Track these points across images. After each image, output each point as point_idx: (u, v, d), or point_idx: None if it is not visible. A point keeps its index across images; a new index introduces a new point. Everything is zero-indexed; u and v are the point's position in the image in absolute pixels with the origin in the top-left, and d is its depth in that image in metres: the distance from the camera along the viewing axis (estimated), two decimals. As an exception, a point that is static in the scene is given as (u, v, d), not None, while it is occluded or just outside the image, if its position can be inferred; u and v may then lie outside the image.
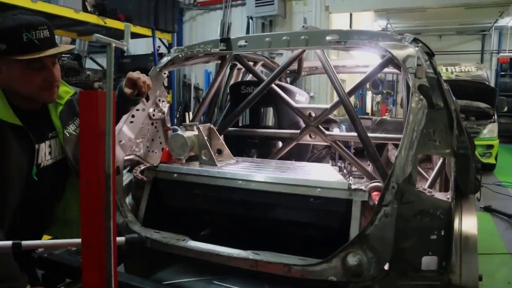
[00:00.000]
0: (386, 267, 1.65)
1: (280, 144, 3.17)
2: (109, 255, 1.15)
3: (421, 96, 1.79)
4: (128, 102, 2.06)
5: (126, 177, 2.48)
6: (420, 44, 2.04)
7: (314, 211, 1.90)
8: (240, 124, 3.44)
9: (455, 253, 1.71)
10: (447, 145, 1.82)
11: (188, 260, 2.08)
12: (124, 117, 2.27)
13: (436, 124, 1.83)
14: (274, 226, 2.07)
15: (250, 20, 7.91)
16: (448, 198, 1.69)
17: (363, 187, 1.81)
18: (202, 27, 8.36)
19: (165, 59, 2.52)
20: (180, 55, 2.48)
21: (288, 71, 4.10)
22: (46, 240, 1.62)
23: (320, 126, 2.91)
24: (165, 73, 2.54)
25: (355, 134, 2.59)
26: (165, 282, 2.07)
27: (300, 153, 3.22)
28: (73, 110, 2.01)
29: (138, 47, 7.49)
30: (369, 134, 2.50)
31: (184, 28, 8.42)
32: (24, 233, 1.86)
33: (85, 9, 4.77)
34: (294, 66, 3.87)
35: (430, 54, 2.03)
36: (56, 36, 5.39)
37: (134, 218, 2.11)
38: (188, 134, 2.27)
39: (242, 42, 2.48)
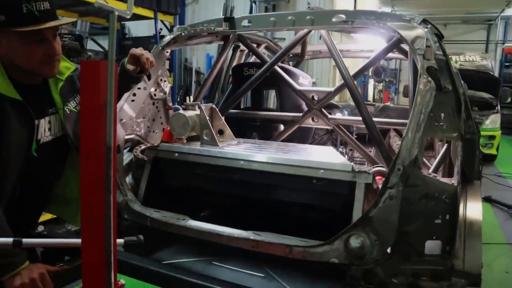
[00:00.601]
0: (388, 250, 1.63)
1: (282, 127, 3.14)
2: (108, 230, 1.13)
3: (429, 78, 1.75)
4: (131, 79, 2.01)
5: (127, 157, 2.46)
6: (429, 26, 1.99)
7: (316, 193, 1.88)
8: (242, 107, 3.40)
9: (459, 239, 1.69)
10: (454, 129, 1.79)
11: (188, 240, 2.06)
12: (126, 95, 2.23)
13: (443, 107, 1.80)
14: (276, 207, 2.05)
15: (253, 4, 7.83)
16: (453, 183, 1.66)
17: (367, 170, 1.78)
18: (205, 10, 8.26)
19: (167, 38, 2.47)
20: (183, 34, 2.43)
21: (291, 55, 4.05)
22: (46, 239, 1.59)
23: (323, 110, 2.88)
24: (167, 52, 2.49)
25: (359, 118, 2.56)
26: (165, 262, 2.06)
27: (302, 137, 3.20)
28: (74, 86, 1.97)
29: (140, 29, 7.40)
30: (374, 119, 2.47)
31: (186, 11, 8.32)
32: (23, 209, 1.84)
33: (88, -11, 4.69)
34: (298, 49, 3.82)
35: (439, 36, 1.98)
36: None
37: (134, 197, 2.09)
38: (189, 113, 2.24)
39: (246, 22, 2.43)
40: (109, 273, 1.15)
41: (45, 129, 1.84)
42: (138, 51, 1.94)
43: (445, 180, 1.94)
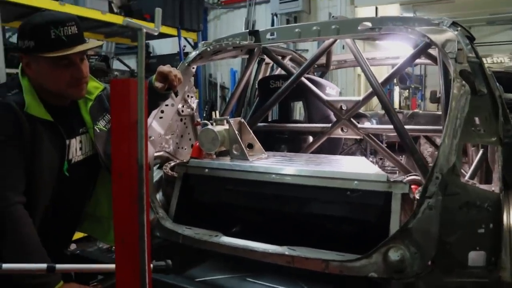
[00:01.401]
0: (440, 263, 1.56)
1: (310, 139, 3.09)
2: (142, 250, 1.11)
3: (463, 82, 1.69)
4: (159, 96, 2.02)
5: (156, 174, 2.46)
6: (460, 28, 1.93)
7: (351, 205, 1.83)
8: (269, 120, 3.38)
9: (505, 249, 1.60)
10: (492, 133, 1.72)
11: (220, 256, 2.04)
12: (154, 112, 2.25)
13: (479, 111, 1.73)
14: (309, 221, 2.00)
15: (275, 17, 7.85)
16: (493, 190, 1.58)
17: (402, 180, 1.72)
18: (227, 26, 8.34)
19: (193, 54, 2.49)
20: (208, 49, 2.44)
21: (316, 66, 4.03)
22: (78, 265, 1.59)
23: (352, 119, 2.83)
24: (193, 68, 2.51)
25: (389, 126, 2.49)
26: (198, 279, 2.04)
27: (332, 148, 3.14)
28: (103, 105, 2.00)
29: (164, 47, 7.53)
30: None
31: (209, 28, 8.43)
32: (56, 230, 1.86)
33: (111, 11, 4.81)
34: (322, 60, 3.79)
35: (471, 38, 1.92)
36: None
37: (165, 214, 2.08)
38: (218, 128, 2.23)
39: (270, 34, 2.42)
40: (144, 294, 1.13)
41: (76, 149, 1.86)
42: (166, 68, 1.96)
43: (484, 187, 1.85)
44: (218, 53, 2.55)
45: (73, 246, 3.41)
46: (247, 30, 2.42)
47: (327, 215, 1.91)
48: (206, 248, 1.87)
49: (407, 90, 13.07)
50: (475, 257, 1.55)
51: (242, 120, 2.35)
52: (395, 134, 2.36)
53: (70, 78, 1.69)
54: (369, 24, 2.12)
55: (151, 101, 2.04)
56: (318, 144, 2.93)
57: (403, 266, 1.50)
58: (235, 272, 2.07)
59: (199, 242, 1.88)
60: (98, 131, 1.94)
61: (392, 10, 10.25)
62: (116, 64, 6.25)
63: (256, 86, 3.33)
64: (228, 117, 2.30)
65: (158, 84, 1.96)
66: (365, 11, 8.10)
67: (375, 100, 4.25)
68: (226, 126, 2.25)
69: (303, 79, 2.90)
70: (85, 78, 1.76)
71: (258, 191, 2.00)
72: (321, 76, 4.04)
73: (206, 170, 2.12)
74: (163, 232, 2.01)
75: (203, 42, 2.53)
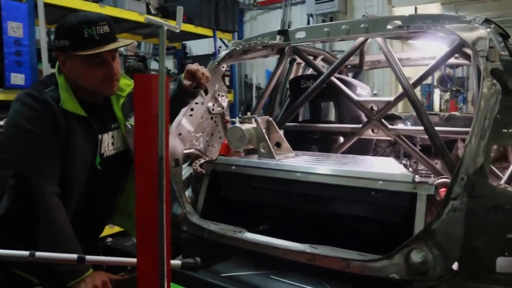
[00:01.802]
0: (455, 267, 1.52)
1: (341, 139, 3.07)
2: (161, 239, 1.15)
3: (494, 81, 1.64)
4: (187, 94, 2.08)
5: (186, 171, 2.52)
6: (493, 25, 1.87)
7: (375, 205, 1.81)
8: (300, 119, 3.38)
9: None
10: (525, 135, 1.65)
11: (245, 253, 2.06)
12: (183, 110, 2.30)
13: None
14: (333, 220, 2.00)
15: (310, 18, 7.81)
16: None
17: (428, 181, 1.68)
18: (263, 27, 8.37)
19: (223, 53, 2.53)
20: (237, 48, 2.48)
21: (349, 66, 3.99)
22: (106, 258, 1.67)
23: (383, 120, 2.79)
24: (223, 67, 2.55)
25: (420, 128, 2.44)
26: (223, 275, 2.07)
27: (363, 149, 3.09)
28: (135, 103, 2.07)
29: (200, 47, 7.65)
30: (437, 128, 2.34)
31: (245, 29, 8.49)
32: (87, 222, 1.94)
33: (149, 12, 4.95)
34: (356, 60, 3.75)
35: (505, 36, 1.85)
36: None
37: (192, 210, 2.13)
38: (246, 126, 2.26)
39: (300, 33, 2.43)
40: (162, 283, 1.17)
41: (108, 144, 1.94)
42: (194, 66, 2.01)
43: None
44: (248, 53, 2.58)
45: (109, 240, 3.55)
46: (277, 30, 2.44)
47: (351, 214, 1.90)
48: (230, 244, 1.90)
49: (448, 93, 12.65)
50: (504, 263, 1.49)
51: (270, 119, 2.37)
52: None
53: (102, 75, 1.77)
54: (398, 22, 2.08)
55: (180, 98, 2.11)
56: (349, 145, 2.91)
57: (426, 268, 1.47)
58: (259, 269, 2.10)
59: (223, 237, 1.91)
60: (130, 127, 2.01)
61: (433, 10, 9.96)
62: (153, 64, 6.44)
63: (288, 86, 3.34)
64: (256, 115, 2.32)
65: (187, 82, 2.02)
66: (403, 11, 7.91)
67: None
68: (254, 125, 2.28)
69: (333, 79, 2.89)
70: (116, 76, 1.83)
71: (283, 189, 2.01)
72: (355, 77, 4.00)
73: (233, 167, 2.16)
74: (190, 226, 2.06)
75: (233, 41, 2.57)
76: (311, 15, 7.81)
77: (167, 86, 1.16)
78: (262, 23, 8.42)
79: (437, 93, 11.86)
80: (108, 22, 1.75)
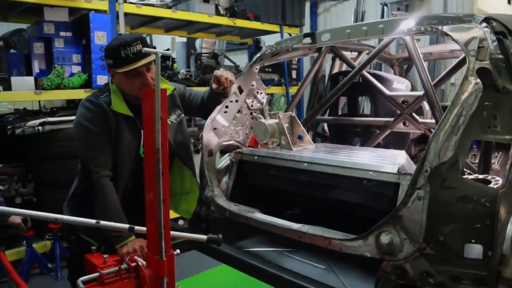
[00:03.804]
0: (431, 251, 1.67)
1: (380, 133, 3.20)
2: (159, 209, 1.53)
3: (478, 80, 1.73)
4: (216, 95, 2.45)
5: (226, 160, 2.89)
6: (495, 23, 1.92)
7: (367, 193, 2.01)
8: (340, 113, 3.56)
9: (511, 245, 1.64)
10: (509, 131, 1.73)
11: (266, 233, 2.38)
12: (218, 107, 2.66)
13: (499, 109, 1.75)
14: (333, 205, 2.22)
15: (384, 7, 7.69)
16: (494, 185, 1.63)
17: (411, 173, 1.84)
18: (336, 18, 8.42)
19: (256, 56, 2.84)
20: (267, 52, 2.76)
21: (401, 59, 4.05)
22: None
23: (414, 114, 2.89)
24: (256, 69, 2.85)
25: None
26: (245, 249, 2.42)
27: (398, 142, 3.20)
28: (175, 102, 2.49)
29: (268, 43, 7.97)
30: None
31: (318, 21, 8.61)
32: (136, 201, 2.40)
33: (218, 13, 5.39)
34: (406, 53, 3.79)
35: (505, 34, 1.90)
36: (198, 39, 6.12)
37: (221, 193, 2.49)
38: (270, 121, 2.56)
39: (325, 36, 2.64)
40: (160, 241, 1.55)
41: None
42: (219, 72, 2.37)
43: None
44: (279, 55, 2.85)
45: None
46: (303, 33, 2.67)
47: (347, 200, 2.12)
48: (244, 222, 2.23)
49: None
50: (472, 250, 1.62)
51: (293, 114, 2.63)
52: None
53: (140, 84, 2.18)
54: (411, 24, 2.20)
55: (211, 99, 2.49)
56: (381, 138, 3.05)
57: (393, 249, 1.66)
58: (278, 247, 2.41)
59: (239, 216, 2.25)
60: (170, 123, 2.43)
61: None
62: (226, 61, 6.93)
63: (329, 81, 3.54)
64: (280, 111, 2.61)
65: (214, 85, 2.38)
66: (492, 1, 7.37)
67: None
68: (277, 120, 2.56)
69: (366, 74, 3.05)
70: (151, 83, 2.24)
71: (293, 177, 2.28)
72: (408, 70, 4.04)
73: (256, 157, 2.48)
74: (217, 207, 2.43)
75: (267, 45, 2.86)
76: (385, 4, 7.66)
77: (164, 98, 1.53)
78: (336, 15, 8.45)
79: None
80: (142, 41, 2.17)
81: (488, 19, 1.93)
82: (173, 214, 2.83)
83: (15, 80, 3.86)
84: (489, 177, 1.86)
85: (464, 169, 2.23)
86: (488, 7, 7.15)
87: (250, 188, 2.57)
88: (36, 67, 4.13)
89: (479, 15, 1.96)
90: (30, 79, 3.96)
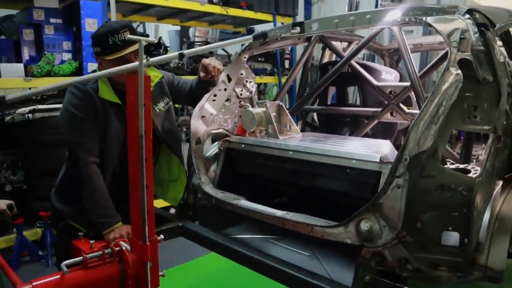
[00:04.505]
0: (409, 238, 1.71)
1: (369, 122, 3.22)
2: (143, 195, 1.55)
3: (458, 71, 1.76)
4: (204, 83, 2.46)
5: (215, 149, 2.91)
6: (478, 15, 1.95)
7: (351, 181, 2.04)
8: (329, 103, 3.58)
9: (487, 233, 1.68)
10: (488, 122, 1.77)
11: (254, 221, 2.41)
12: (206, 96, 2.67)
13: (479, 100, 1.78)
14: (318, 193, 2.26)
15: (379, -3, 7.68)
16: (474, 175, 1.66)
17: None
18: (330, 8, 8.39)
19: (245, 45, 2.84)
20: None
21: (391, 50, 4.06)
22: None
23: (401, 104, 2.91)
24: (245, 57, 2.86)
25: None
26: (232, 236, 2.46)
27: (386, 132, 3.23)
28: (163, 90, 2.50)
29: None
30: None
31: (313, 10, 8.58)
32: (124, 188, 2.42)
33: (210, 1, 5.36)
34: (396, 44, 3.81)
35: (487, 26, 1.92)
36: (191, 27, 6.09)
37: (207, 180, 2.52)
38: (257, 110, 2.57)
39: (314, 25, 2.64)
40: (144, 226, 1.57)
41: None
42: (207, 60, 2.37)
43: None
44: (270, 43, 2.85)
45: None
46: (291, 23, 2.68)
47: (332, 189, 2.15)
48: (230, 209, 2.26)
49: None
50: (448, 237, 1.66)
51: (281, 103, 2.65)
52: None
53: (128, 72, 2.19)
54: (397, 15, 2.21)
55: (199, 87, 2.51)
56: (369, 128, 3.08)
57: (372, 236, 1.70)
58: (264, 234, 2.44)
59: (224, 203, 2.27)
60: (158, 111, 2.45)
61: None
62: (219, 50, 6.90)
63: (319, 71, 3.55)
64: (267, 100, 2.62)
65: (202, 74, 2.39)
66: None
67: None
68: (265, 109, 2.58)
69: (355, 65, 3.06)
70: None
71: (279, 165, 2.31)
72: (398, 61, 4.06)
73: (243, 145, 2.50)
74: (204, 195, 2.45)
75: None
76: (379, -6, 7.67)
77: (147, 85, 1.55)
78: (330, 4, 8.41)
79: None
80: (129, 28, 2.17)
81: (471, 11, 1.95)
82: (164, 203, 2.87)
83: (4, 66, 3.84)
84: (469, 167, 1.90)
85: (447, 159, 2.27)
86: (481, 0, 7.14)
87: (237, 176, 2.59)
88: (26, 54, 4.11)
89: (462, 6, 1.98)
90: (20, 66, 3.94)
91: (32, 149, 4.05)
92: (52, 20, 4.17)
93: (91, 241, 1.80)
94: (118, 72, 1.76)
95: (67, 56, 4.28)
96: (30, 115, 3.92)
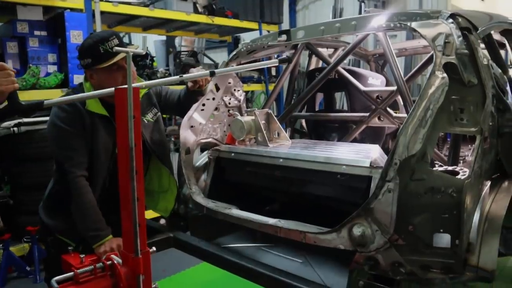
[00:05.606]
0: (401, 241, 1.72)
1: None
2: (134, 207, 1.54)
3: (444, 74, 1.79)
4: (191, 93, 2.46)
5: (205, 158, 2.90)
6: (460, 19, 1.98)
7: (341, 187, 2.05)
8: (317, 109, 3.60)
9: (477, 234, 1.70)
10: (475, 123, 1.79)
11: (245, 229, 2.40)
12: (195, 105, 2.66)
13: (465, 102, 1.81)
14: (308, 200, 2.26)
15: (362, 4, 7.78)
16: (463, 177, 1.69)
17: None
18: (315, 15, 8.48)
19: (231, 54, 2.85)
20: (242, 49, 2.78)
21: (376, 55, 4.11)
22: None
23: (388, 109, 2.94)
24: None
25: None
26: (224, 246, 2.44)
27: (374, 136, 3.26)
28: (151, 101, 2.49)
29: (254, 37, 8.00)
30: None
31: (297, 18, 8.66)
32: (114, 200, 2.40)
33: (196, 11, 5.38)
34: (381, 49, 3.86)
35: (470, 29, 1.96)
36: (177, 37, 6.09)
37: (198, 190, 2.50)
38: (246, 118, 2.58)
39: (300, 33, 2.66)
40: (136, 239, 1.55)
41: None
42: (194, 70, 2.37)
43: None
44: (257, 52, 2.86)
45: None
46: (278, 31, 2.69)
47: (323, 195, 2.15)
48: (222, 218, 2.24)
49: None
50: (440, 239, 1.68)
51: (270, 111, 2.66)
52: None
53: (122, 79, 2.18)
54: (382, 21, 2.24)
55: (187, 97, 2.51)
56: (358, 133, 3.10)
57: (365, 241, 1.70)
58: (256, 242, 2.44)
59: (216, 213, 2.26)
60: (146, 122, 2.43)
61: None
62: (206, 59, 6.91)
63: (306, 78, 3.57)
64: (256, 108, 2.63)
65: (189, 84, 2.39)
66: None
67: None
68: (254, 117, 2.58)
69: (342, 70, 3.09)
70: (134, 75, 2.22)
71: (269, 173, 2.31)
72: (383, 66, 4.11)
73: (232, 154, 2.49)
74: (194, 205, 2.43)
75: (242, 42, 2.87)
76: (363, 1, 7.76)
77: (136, 96, 1.54)
78: (314, 12, 8.51)
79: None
80: (117, 36, 2.18)
81: (454, 15, 1.99)
82: (153, 214, 2.85)
83: (-12, 80, 3.79)
84: (458, 169, 1.92)
85: (435, 161, 2.29)
86: (462, 4, 7.30)
87: (228, 185, 2.59)
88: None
89: (445, 11, 2.02)
90: (4, 79, 3.88)
91: (18, 163, 3.99)
92: (37, 33, 4.13)
93: (81, 256, 1.77)
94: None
95: (52, 69, 4.24)
96: (15, 128, 3.87)
